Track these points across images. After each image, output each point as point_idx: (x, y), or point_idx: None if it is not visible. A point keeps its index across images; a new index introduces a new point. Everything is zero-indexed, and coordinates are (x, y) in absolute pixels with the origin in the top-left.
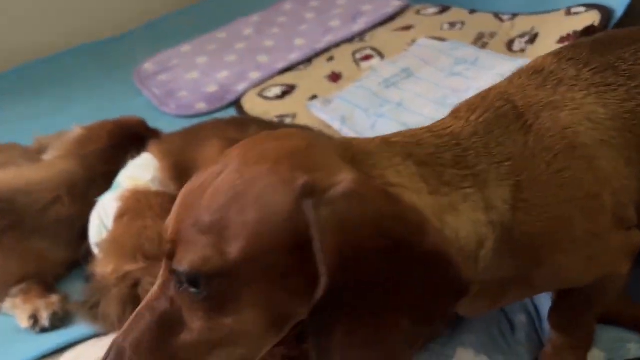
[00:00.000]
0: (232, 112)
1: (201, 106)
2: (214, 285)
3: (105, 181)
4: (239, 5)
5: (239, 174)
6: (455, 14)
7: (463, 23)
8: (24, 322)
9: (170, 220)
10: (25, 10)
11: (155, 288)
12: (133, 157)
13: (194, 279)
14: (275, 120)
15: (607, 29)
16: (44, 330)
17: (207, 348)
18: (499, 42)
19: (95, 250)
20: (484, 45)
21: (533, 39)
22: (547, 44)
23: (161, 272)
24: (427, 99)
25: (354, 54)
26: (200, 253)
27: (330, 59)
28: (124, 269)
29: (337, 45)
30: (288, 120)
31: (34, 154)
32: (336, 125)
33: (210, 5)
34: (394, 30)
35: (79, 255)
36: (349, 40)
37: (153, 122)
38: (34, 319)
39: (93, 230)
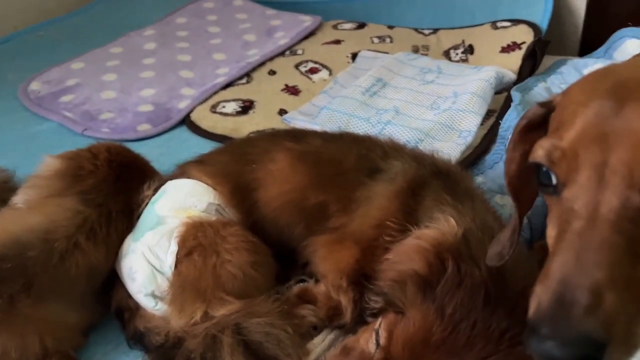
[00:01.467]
0: (184, 131)
1: (145, 127)
2: None
3: (124, 218)
4: (110, 17)
5: None
6: (375, 29)
7: (390, 37)
8: None
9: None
10: None
11: (610, 215)
12: (151, 187)
13: None
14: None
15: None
16: None
17: None
18: (436, 54)
19: (148, 301)
20: None
21: (470, 50)
22: (490, 53)
23: (592, 198)
24: (419, 106)
25: (296, 67)
26: None
27: (272, 72)
28: (217, 314)
29: (270, 59)
30: None
31: None
32: None
33: (77, 18)
34: (322, 44)
35: (97, 317)
36: (281, 53)
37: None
38: None
39: (142, 278)
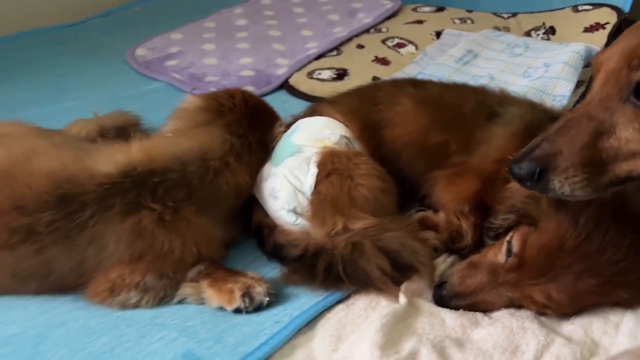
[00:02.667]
0: (284, 94)
1: (249, 89)
2: None
3: (261, 149)
4: None
5: None
6: (454, 12)
7: (471, 19)
8: (232, 303)
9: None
10: None
11: (595, 101)
12: (282, 125)
13: None
14: None
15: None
16: (257, 308)
17: (624, 155)
18: (517, 34)
19: (289, 217)
20: None
21: (551, 31)
22: (573, 33)
23: (596, 90)
24: (512, 74)
25: (383, 42)
26: None
27: (360, 46)
28: (355, 226)
29: (357, 35)
30: None
31: (94, 137)
32: None
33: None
34: (405, 23)
35: (236, 234)
36: (366, 31)
37: None
38: (249, 296)
39: (285, 196)
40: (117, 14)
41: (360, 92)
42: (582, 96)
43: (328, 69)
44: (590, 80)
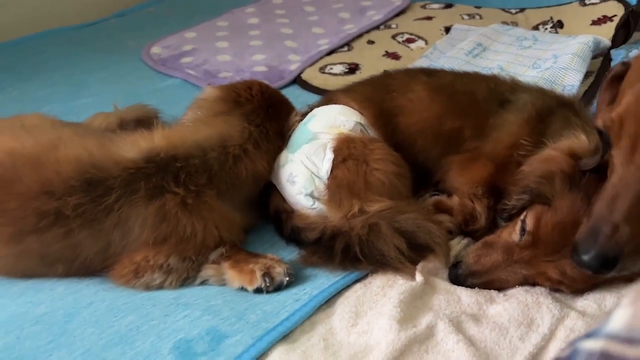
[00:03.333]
0: (297, 89)
1: None
2: None
3: (278, 138)
4: None
5: None
6: (463, 9)
7: (479, 15)
8: (253, 283)
9: None
10: None
11: (631, 170)
12: (298, 114)
13: None
14: None
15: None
16: (278, 288)
17: None
18: (526, 29)
19: (307, 201)
20: None
21: (559, 25)
22: (581, 26)
23: (626, 158)
24: (521, 65)
25: (393, 37)
26: None
27: (371, 42)
28: (371, 209)
29: (367, 31)
30: None
31: (114, 130)
32: None
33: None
34: (414, 20)
35: (254, 220)
36: (376, 27)
37: None
38: (269, 276)
39: (302, 181)
40: (132, 14)
41: (374, 81)
42: (592, 87)
43: (340, 63)
44: (596, 135)
